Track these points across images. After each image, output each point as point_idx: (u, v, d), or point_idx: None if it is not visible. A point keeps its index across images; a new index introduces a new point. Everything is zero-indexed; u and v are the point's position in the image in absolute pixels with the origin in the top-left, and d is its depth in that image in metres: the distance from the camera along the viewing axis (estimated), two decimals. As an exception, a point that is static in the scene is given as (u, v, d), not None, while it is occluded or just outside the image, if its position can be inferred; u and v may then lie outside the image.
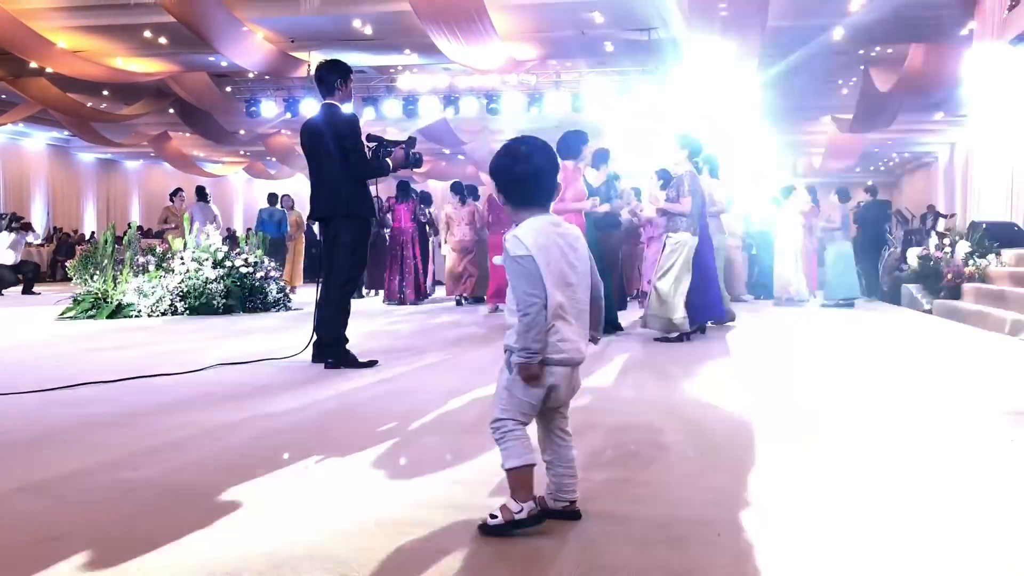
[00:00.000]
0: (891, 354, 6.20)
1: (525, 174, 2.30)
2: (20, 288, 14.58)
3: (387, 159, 5.40)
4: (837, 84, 17.94)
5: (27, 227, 15.78)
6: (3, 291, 14.22)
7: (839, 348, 6.57)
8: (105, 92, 18.83)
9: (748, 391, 4.43)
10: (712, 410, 3.92)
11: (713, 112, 16.33)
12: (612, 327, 7.44)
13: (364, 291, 13.72)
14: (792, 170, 28.66)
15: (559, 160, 2.34)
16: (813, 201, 11.98)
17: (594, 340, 2.39)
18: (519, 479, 2.17)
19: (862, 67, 16.01)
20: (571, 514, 2.29)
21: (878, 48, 14.98)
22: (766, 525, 2.24)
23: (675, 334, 6.74)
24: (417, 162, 5.58)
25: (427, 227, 13.23)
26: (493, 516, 2.17)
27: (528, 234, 2.23)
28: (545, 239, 2.23)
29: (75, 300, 9.42)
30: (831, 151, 22.91)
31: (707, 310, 7.16)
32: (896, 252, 12.83)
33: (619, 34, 13.89)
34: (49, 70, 15.45)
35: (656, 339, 6.80)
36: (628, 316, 9.01)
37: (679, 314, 6.66)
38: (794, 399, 4.17)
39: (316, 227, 7.34)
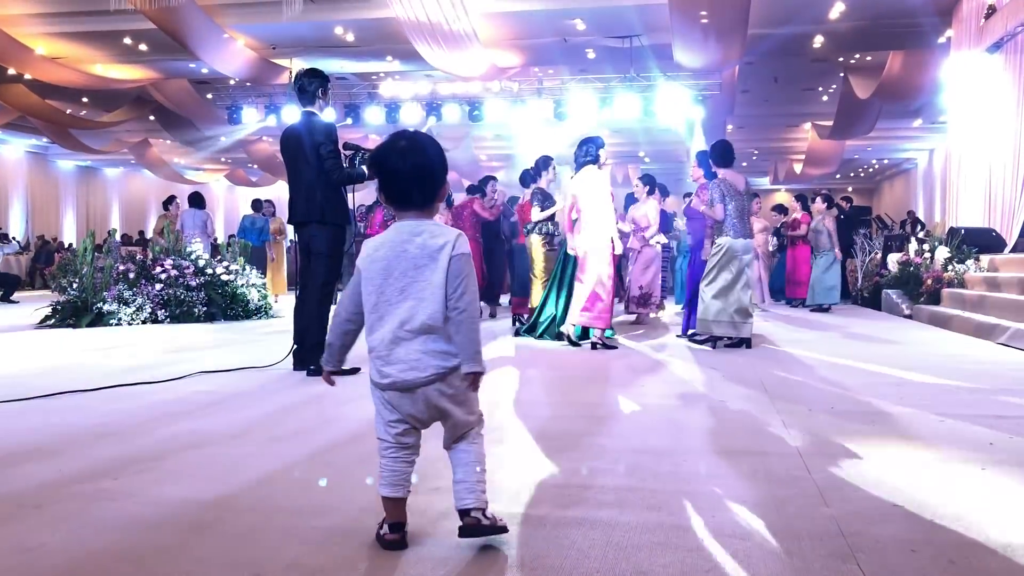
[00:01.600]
0: (875, 360, 6.24)
1: (397, 171, 2.09)
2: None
3: (363, 166, 5.44)
4: (817, 91, 18.12)
5: (3, 237, 15.61)
6: None
7: (831, 354, 6.60)
8: (85, 99, 18.71)
9: (732, 396, 4.45)
10: (692, 414, 3.93)
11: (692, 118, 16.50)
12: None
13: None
14: (772, 176, 28.93)
15: (445, 160, 2.16)
16: (804, 209, 12.25)
17: (474, 374, 2.08)
18: (383, 503, 2.15)
19: (842, 74, 16.18)
20: (463, 529, 2.08)
21: (857, 56, 15.15)
22: (749, 529, 2.24)
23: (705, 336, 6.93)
24: (395, 171, 5.58)
25: None
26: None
27: (370, 245, 2.12)
28: (388, 252, 2.07)
29: (54, 308, 9.31)
30: (811, 157, 23.10)
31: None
32: (876, 258, 12.94)
33: (601, 41, 13.95)
34: (28, 76, 15.33)
35: (727, 345, 6.87)
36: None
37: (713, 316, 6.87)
38: (779, 405, 4.18)
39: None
